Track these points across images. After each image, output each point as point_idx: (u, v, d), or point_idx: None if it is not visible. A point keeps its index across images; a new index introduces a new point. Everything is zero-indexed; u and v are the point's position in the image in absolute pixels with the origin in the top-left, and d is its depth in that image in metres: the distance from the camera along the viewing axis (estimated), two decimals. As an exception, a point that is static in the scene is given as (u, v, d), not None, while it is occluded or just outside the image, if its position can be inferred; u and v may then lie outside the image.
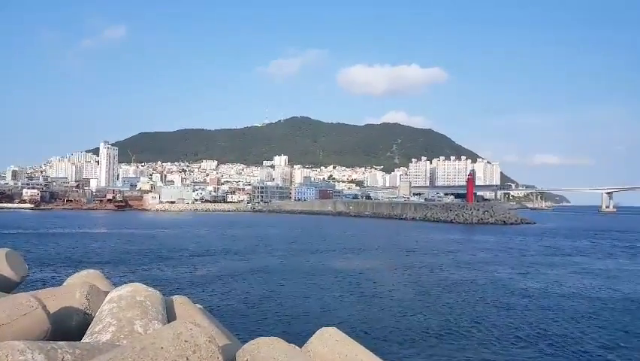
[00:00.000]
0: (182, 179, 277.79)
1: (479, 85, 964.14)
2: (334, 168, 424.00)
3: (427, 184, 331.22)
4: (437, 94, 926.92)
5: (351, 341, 2.53)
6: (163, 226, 75.88)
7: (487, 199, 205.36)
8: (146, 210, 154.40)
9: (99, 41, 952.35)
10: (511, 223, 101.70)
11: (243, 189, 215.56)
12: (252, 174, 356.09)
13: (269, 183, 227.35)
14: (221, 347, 2.04)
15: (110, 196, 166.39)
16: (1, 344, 1.82)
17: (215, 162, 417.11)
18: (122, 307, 2.53)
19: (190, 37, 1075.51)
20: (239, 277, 26.93)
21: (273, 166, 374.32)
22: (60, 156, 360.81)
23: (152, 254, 36.76)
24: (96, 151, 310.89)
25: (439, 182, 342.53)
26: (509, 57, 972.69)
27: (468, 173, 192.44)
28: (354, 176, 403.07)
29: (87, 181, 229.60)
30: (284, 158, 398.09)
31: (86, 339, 2.38)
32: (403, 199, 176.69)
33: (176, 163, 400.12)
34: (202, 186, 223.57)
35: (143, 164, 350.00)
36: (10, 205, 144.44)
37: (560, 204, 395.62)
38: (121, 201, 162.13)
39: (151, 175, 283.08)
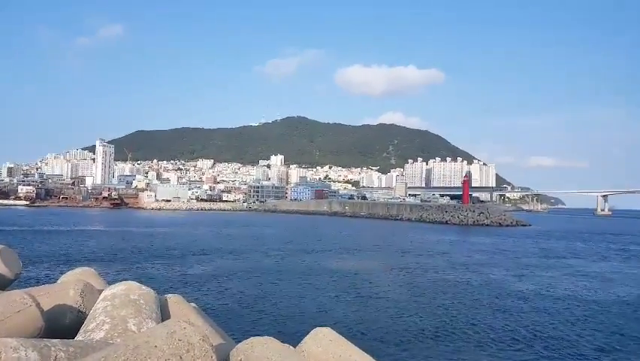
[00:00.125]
0: (178, 177, 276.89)
1: (476, 86, 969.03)
2: (330, 168, 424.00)
3: (423, 185, 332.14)
4: (434, 95, 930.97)
5: (345, 341, 2.53)
6: (158, 225, 75.59)
7: (482, 201, 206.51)
8: (142, 208, 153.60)
9: (96, 40, 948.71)
10: (507, 225, 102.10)
11: (239, 189, 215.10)
12: (248, 173, 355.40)
13: (265, 183, 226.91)
14: (215, 346, 2.04)
15: (105, 194, 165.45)
16: (-6, 342, 1.79)
17: (212, 161, 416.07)
18: (115, 306, 2.52)
19: (188, 37, 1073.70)
20: (234, 276, 26.89)
21: (269, 166, 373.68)
22: (56, 153, 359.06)
23: (147, 252, 36.62)
24: (92, 149, 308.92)
25: (435, 183, 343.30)
26: (506, 59, 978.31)
27: (464, 174, 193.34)
28: (350, 176, 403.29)
29: (83, 179, 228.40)
30: (280, 157, 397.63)
31: (79, 337, 2.38)
32: (399, 200, 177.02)
33: (172, 162, 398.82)
34: (198, 185, 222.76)
35: (139, 162, 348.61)
36: (5, 202, 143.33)
37: (556, 206, 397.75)
38: (116, 199, 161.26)
39: (147, 173, 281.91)
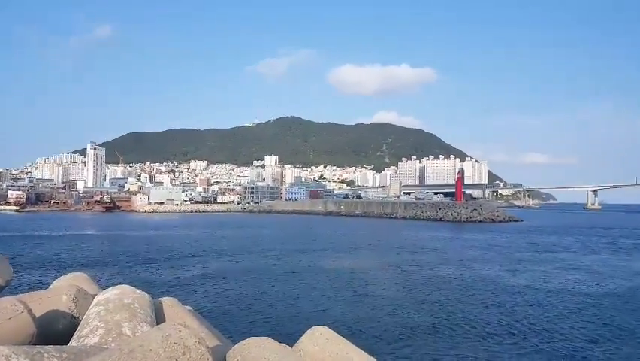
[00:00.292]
0: (171, 180, 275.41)
1: (468, 85, 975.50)
2: (325, 167, 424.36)
3: (417, 183, 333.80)
4: (427, 94, 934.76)
5: (342, 339, 2.53)
6: (151, 227, 75.06)
7: (475, 198, 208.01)
8: (135, 211, 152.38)
9: (86, 41, 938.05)
10: (499, 221, 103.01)
11: (234, 190, 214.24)
12: (242, 174, 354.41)
13: (259, 184, 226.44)
14: (211, 348, 2.02)
15: (97, 197, 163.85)
16: (-15, 349, 1.76)
17: (205, 163, 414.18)
18: (109, 310, 2.50)
19: (180, 37, 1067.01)
20: (229, 278, 26.78)
21: (263, 166, 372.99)
22: (46, 157, 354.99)
23: (141, 256, 36.34)
24: (83, 152, 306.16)
25: (429, 181, 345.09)
26: (499, 58, 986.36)
27: (457, 172, 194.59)
28: (345, 175, 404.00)
29: (74, 183, 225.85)
30: (274, 158, 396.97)
31: (73, 343, 2.34)
32: (394, 198, 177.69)
33: (164, 164, 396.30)
34: (191, 187, 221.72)
35: (131, 165, 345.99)
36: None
37: (547, 201, 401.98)
38: (109, 203, 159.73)
39: (139, 176, 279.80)
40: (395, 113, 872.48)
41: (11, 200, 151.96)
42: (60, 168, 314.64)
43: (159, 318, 2.75)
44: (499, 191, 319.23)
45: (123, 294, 2.68)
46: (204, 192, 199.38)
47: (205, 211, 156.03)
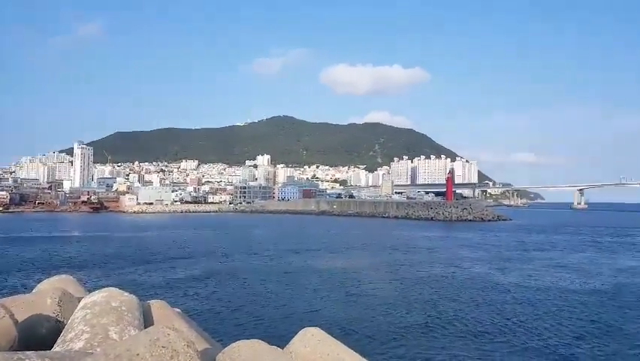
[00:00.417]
0: (160, 179, 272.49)
1: (459, 86, 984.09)
2: (318, 167, 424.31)
3: (409, 183, 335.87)
4: (418, 94, 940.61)
5: (334, 340, 2.51)
6: (140, 228, 74.26)
7: (465, 197, 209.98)
8: (123, 212, 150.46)
9: (73, 38, 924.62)
10: (489, 220, 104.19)
11: (225, 190, 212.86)
12: (234, 174, 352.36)
13: (252, 183, 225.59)
14: (201, 351, 1.98)
15: (84, 198, 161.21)
16: (-37, 356, 1.67)
17: (196, 162, 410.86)
18: (96, 314, 2.43)
19: (171, 35, 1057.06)
20: (220, 279, 26.61)
21: (255, 166, 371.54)
22: (31, 157, 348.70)
23: (129, 258, 35.92)
24: (70, 151, 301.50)
25: (420, 180, 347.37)
26: (488, 58, 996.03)
27: (447, 172, 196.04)
28: (338, 175, 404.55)
29: (60, 183, 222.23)
30: (267, 157, 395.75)
31: (57, 348, 2.28)
32: (386, 198, 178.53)
33: (154, 163, 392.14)
34: (182, 187, 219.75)
35: (119, 164, 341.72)
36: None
37: (535, 201, 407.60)
38: (96, 203, 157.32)
39: (128, 176, 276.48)
40: (387, 113, 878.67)
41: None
42: (46, 167, 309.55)
43: (147, 321, 2.69)
44: (489, 190, 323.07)
45: (110, 297, 2.62)
46: (195, 192, 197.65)
47: (196, 212, 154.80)
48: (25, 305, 2.64)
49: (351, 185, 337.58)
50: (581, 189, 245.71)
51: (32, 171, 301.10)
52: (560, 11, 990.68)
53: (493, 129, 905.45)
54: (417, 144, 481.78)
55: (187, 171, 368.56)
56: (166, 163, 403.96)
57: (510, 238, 58.13)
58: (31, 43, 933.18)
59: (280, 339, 2.78)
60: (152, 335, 1.81)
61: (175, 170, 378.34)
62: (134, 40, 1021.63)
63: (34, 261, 33.22)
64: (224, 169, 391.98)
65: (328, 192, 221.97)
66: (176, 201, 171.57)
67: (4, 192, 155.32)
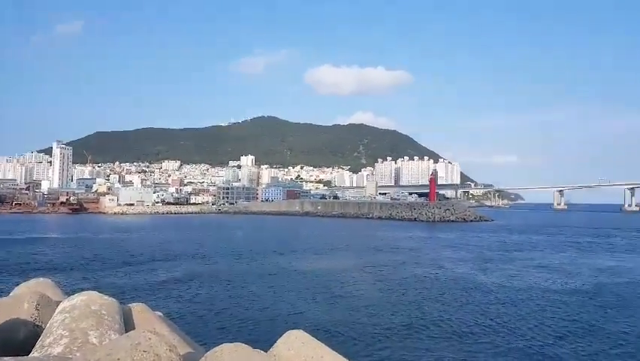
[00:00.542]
0: (142, 180, 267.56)
1: (441, 88, 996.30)
2: (302, 168, 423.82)
3: (393, 184, 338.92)
4: (402, 96, 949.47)
5: (318, 343, 2.52)
6: (120, 230, 72.79)
7: (448, 198, 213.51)
8: (103, 213, 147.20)
9: (52, 37, 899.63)
10: (471, 221, 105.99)
11: (208, 191, 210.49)
12: (217, 174, 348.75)
13: (235, 184, 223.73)
14: (183, 355, 1.97)
15: (63, 199, 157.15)
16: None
17: (178, 163, 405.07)
18: (75, 318, 2.38)
19: (152, 32, 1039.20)
20: (202, 281, 26.31)
21: (239, 166, 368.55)
22: (8, 157, 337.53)
23: (109, 260, 35.17)
24: (49, 151, 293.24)
25: (404, 181, 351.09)
26: (469, 61, 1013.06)
27: (430, 173, 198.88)
28: (322, 176, 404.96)
29: (38, 183, 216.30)
30: (251, 158, 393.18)
31: (35, 353, 2.23)
32: (370, 199, 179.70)
33: (135, 163, 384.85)
34: (164, 188, 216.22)
35: (99, 165, 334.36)
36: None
37: (516, 201, 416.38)
38: (75, 204, 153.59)
39: (108, 176, 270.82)
40: (371, 114, 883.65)
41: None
42: (23, 167, 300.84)
43: (128, 325, 2.65)
44: (471, 191, 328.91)
45: (90, 300, 2.57)
46: (177, 193, 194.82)
47: (178, 213, 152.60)
48: (2, 310, 2.58)
49: (336, 186, 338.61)
50: (560, 190, 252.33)
51: (9, 171, 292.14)
52: (542, 12, 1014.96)
53: (475, 131, 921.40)
54: (400, 146, 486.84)
55: (169, 172, 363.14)
56: (147, 163, 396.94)
57: (492, 239, 59.25)
58: (7, 42, 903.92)
59: (264, 342, 2.78)
60: (133, 339, 1.78)
61: (157, 170, 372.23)
62: (114, 39, 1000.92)
63: (11, 264, 32.18)
64: (207, 170, 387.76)
65: (312, 192, 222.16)
66: (157, 202, 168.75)
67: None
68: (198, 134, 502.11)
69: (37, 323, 2.61)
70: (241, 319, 18.16)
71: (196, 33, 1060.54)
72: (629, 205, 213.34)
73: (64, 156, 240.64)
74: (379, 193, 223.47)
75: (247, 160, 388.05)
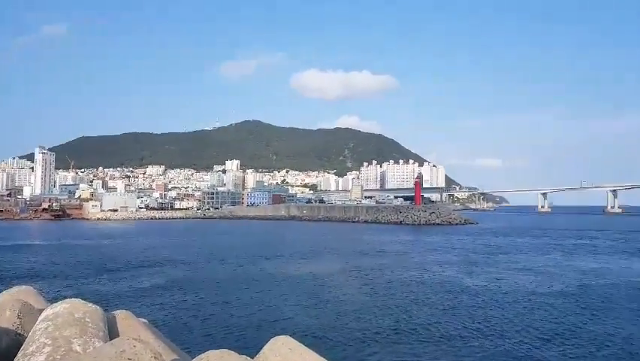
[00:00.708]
0: (125, 185, 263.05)
1: (426, 92, 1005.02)
2: (288, 172, 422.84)
3: (378, 187, 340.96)
4: (387, 100, 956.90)
5: (305, 348, 2.53)
6: (104, 236, 71.33)
7: (433, 201, 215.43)
8: (86, 219, 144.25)
9: (34, 39, 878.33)
10: (456, 224, 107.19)
11: (193, 195, 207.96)
12: (201, 179, 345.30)
13: (220, 189, 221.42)
14: (169, 362, 1.96)
15: (45, 205, 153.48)
16: None
17: (163, 168, 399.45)
18: (58, 326, 2.36)
19: (136, 36, 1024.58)
20: (187, 288, 25.96)
21: (224, 171, 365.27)
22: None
23: (92, 267, 34.41)
24: (31, 157, 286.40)
25: (389, 185, 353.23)
26: (453, 65, 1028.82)
27: (415, 176, 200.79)
28: (308, 180, 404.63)
29: (20, 189, 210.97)
30: (236, 162, 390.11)
31: (16, 363, 2.19)
32: (356, 202, 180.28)
33: (118, 169, 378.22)
34: (148, 193, 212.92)
35: (82, 170, 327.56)
36: None
37: (500, 204, 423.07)
38: (58, 210, 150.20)
39: (91, 182, 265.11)
40: (357, 118, 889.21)
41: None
42: (5, 173, 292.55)
43: (112, 333, 2.63)
44: (456, 194, 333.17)
45: (73, 308, 2.54)
46: (161, 198, 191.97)
47: (162, 218, 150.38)
48: (-19, 320, 2.53)
49: (322, 190, 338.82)
50: (544, 193, 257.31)
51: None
52: (528, 15, 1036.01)
53: (459, 134, 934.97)
54: (385, 149, 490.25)
55: (153, 177, 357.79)
56: (131, 169, 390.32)
57: (478, 242, 60.00)
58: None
59: (250, 349, 2.78)
60: (118, 346, 1.75)
61: (141, 176, 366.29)
62: (97, 42, 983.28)
63: (-13, 272, 31.18)
64: (192, 175, 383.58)
65: (298, 196, 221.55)
66: (141, 208, 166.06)
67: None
68: (183, 139, 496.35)
69: (19, 332, 2.57)
70: (227, 325, 17.97)
71: (181, 36, 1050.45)
72: (612, 207, 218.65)
73: (46, 162, 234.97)
74: (365, 197, 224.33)
75: (232, 165, 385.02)
